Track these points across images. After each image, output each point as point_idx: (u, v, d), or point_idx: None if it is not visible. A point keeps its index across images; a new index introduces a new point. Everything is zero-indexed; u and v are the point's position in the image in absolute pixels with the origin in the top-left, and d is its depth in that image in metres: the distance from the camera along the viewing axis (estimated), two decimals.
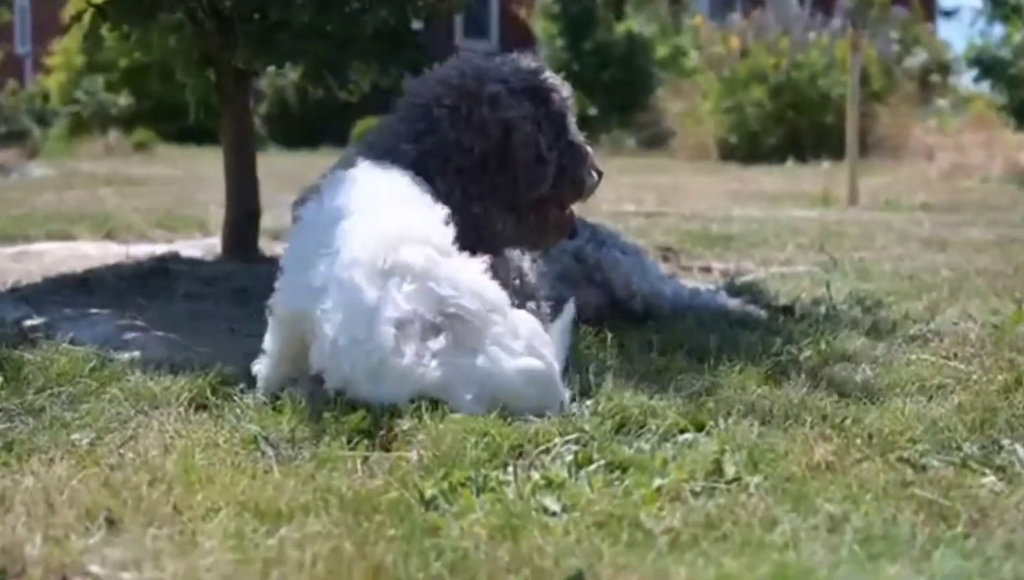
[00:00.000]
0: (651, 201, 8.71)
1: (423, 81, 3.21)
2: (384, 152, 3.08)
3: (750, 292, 4.27)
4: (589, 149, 3.26)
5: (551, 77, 3.23)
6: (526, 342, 2.48)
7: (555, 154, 3.15)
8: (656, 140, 17.85)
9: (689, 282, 4.34)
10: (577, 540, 1.85)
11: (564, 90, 3.23)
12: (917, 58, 18.02)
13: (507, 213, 3.12)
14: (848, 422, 2.47)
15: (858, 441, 2.34)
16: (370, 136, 3.30)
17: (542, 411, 2.44)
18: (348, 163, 3.06)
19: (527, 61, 3.23)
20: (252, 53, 4.54)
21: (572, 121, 3.24)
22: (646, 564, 1.76)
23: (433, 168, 3.03)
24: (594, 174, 3.25)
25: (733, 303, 3.83)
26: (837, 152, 12.68)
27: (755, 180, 12.25)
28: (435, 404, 2.45)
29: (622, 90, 19.79)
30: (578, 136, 3.25)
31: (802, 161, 14.72)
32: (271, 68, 4.98)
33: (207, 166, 12.21)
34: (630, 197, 8.72)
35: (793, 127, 16.05)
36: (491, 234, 3.05)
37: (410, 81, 3.29)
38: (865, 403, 2.65)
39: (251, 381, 2.76)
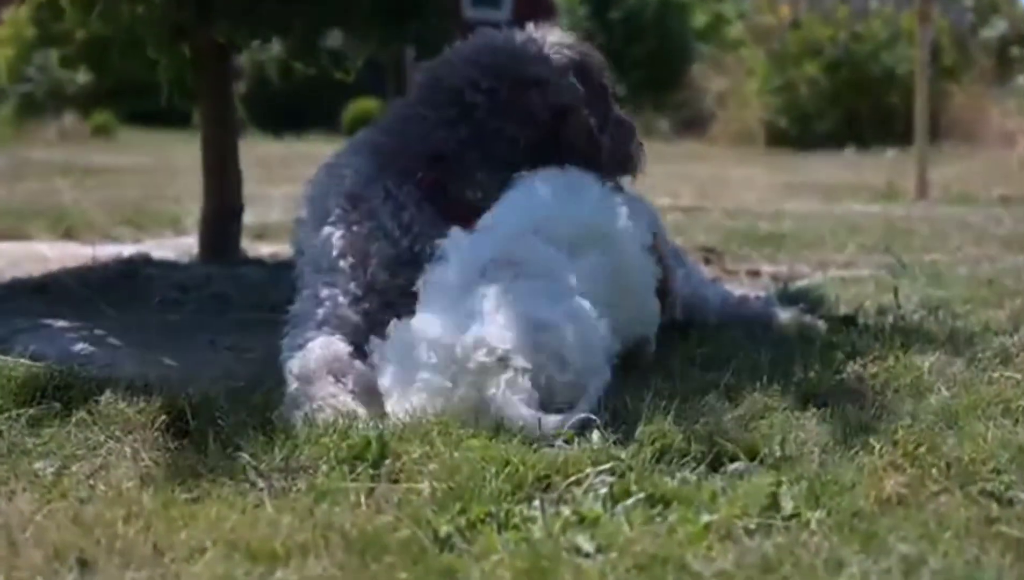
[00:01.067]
0: (689, 194, 8.71)
1: (448, 62, 3.21)
2: (409, 139, 3.09)
3: (805, 299, 4.27)
4: (633, 123, 3.30)
5: (588, 49, 3.26)
6: None
7: (606, 136, 3.17)
8: (694, 123, 17.87)
9: (735, 288, 4.35)
10: None
11: (602, 61, 3.27)
12: (995, 29, 17.99)
13: None
14: (922, 450, 2.47)
15: (934, 471, 2.34)
16: (385, 121, 3.30)
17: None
18: (360, 149, 3.09)
19: (558, 34, 3.26)
20: (234, 24, 4.55)
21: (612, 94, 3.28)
22: None
23: (471, 160, 3.05)
24: (643, 150, 3.28)
25: (788, 313, 3.84)
26: (903, 138, 12.67)
27: (809, 170, 12.25)
28: (447, 428, 2.47)
29: (654, 66, 19.82)
30: (619, 110, 3.28)
31: (863, 148, 14.72)
32: (256, 42, 4.98)
33: (179, 153, 12.27)
34: (664, 189, 8.70)
35: (852, 109, 16.05)
36: None
37: (433, 62, 3.29)
38: (941, 428, 2.65)
39: (237, 401, 2.78)
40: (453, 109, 3.10)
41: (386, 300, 3.01)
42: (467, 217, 3.06)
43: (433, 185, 3.09)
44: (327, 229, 3.08)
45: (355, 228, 3.06)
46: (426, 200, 3.09)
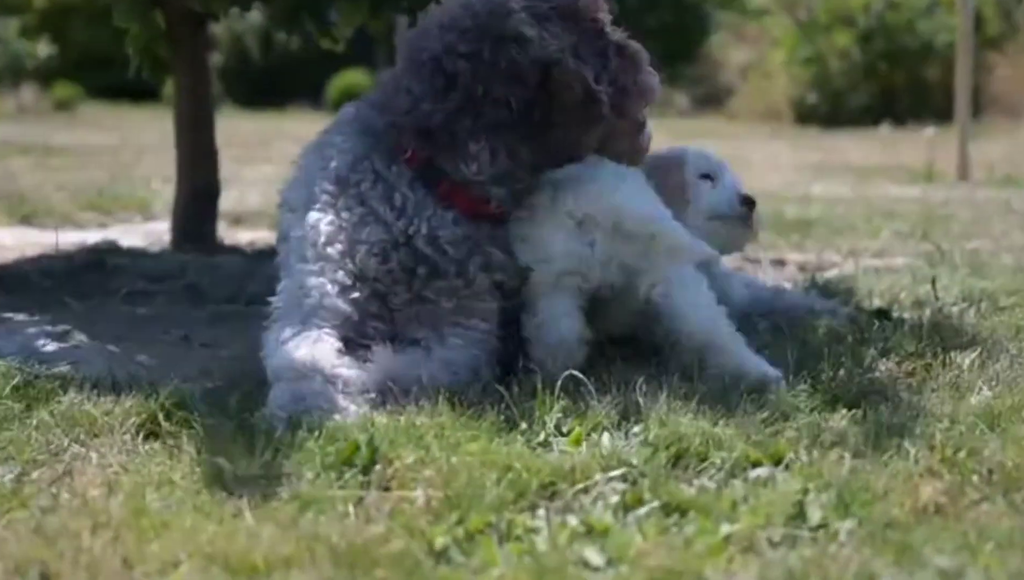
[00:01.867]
0: None
1: (425, 29, 3.21)
2: (395, 115, 3.09)
3: (836, 291, 4.28)
4: (639, 46, 3.28)
5: None
6: None
7: (605, 84, 3.15)
8: (712, 98, 17.88)
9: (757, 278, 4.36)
10: None
11: None
12: None
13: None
14: (962, 454, 2.48)
15: (975, 478, 2.36)
16: (373, 95, 3.30)
17: None
18: (346, 127, 3.09)
19: None
20: None
21: (609, 25, 3.24)
22: None
23: (461, 131, 3.05)
24: (656, 74, 3.29)
25: (825, 304, 3.85)
26: (943, 114, 12.68)
27: (840, 150, 12.26)
28: (443, 431, 2.48)
29: (669, 36, 19.79)
30: (621, 36, 3.26)
31: (899, 125, 14.72)
32: (234, 10, 4.98)
33: (148, 131, 12.28)
34: None
35: (887, 83, 16.05)
36: None
37: (408, 33, 3.29)
38: (983, 431, 2.66)
39: (214, 402, 2.78)
40: (437, 79, 3.11)
41: (377, 289, 3.01)
42: (462, 194, 3.07)
43: (424, 163, 3.09)
44: (314, 215, 3.08)
45: (344, 214, 3.06)
46: (418, 179, 3.09)
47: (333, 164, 3.13)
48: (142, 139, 11.71)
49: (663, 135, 3.40)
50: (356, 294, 2.99)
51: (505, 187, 3.08)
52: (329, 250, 3.03)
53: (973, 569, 1.96)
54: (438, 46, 3.13)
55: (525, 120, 3.09)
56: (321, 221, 3.06)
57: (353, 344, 2.93)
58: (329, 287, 2.99)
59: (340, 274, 3.00)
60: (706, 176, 3.45)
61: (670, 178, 3.37)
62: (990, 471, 2.39)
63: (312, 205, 3.10)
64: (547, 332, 3.04)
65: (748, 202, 3.45)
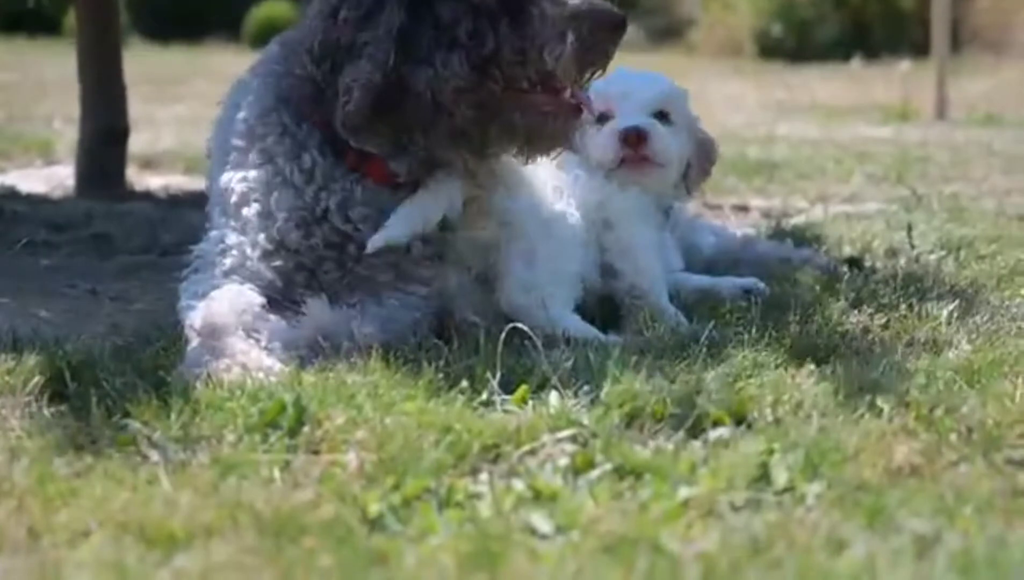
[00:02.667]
0: None
1: None
2: (295, 69, 3.04)
3: (803, 239, 4.30)
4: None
5: None
6: None
7: (504, 23, 3.00)
8: (670, 32, 17.87)
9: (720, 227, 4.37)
10: (577, 571, 1.88)
11: None
12: None
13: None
14: (939, 412, 2.50)
15: (952, 437, 2.38)
16: (289, 36, 3.20)
17: None
18: (260, 69, 3.07)
19: None
20: None
21: None
22: None
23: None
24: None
25: (800, 254, 3.87)
26: (919, 48, 12.73)
27: (807, 86, 12.28)
28: (376, 390, 2.48)
29: None
30: None
31: (872, 60, 14.76)
32: None
33: (48, 67, 12.17)
34: None
35: (859, 14, 16.07)
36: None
37: None
38: (961, 387, 2.68)
39: (125, 359, 2.78)
40: (329, 29, 3.00)
41: (301, 261, 2.99)
42: (371, 163, 3.05)
43: (329, 129, 3.04)
44: (227, 173, 3.06)
45: (253, 172, 3.03)
46: (327, 143, 3.04)
47: (242, 114, 3.11)
48: (43, 75, 11.62)
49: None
50: (279, 262, 2.98)
51: (404, 157, 3.04)
52: (245, 212, 3.01)
53: (950, 534, 1.98)
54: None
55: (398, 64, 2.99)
56: (233, 179, 3.05)
57: (279, 304, 2.93)
58: (249, 249, 2.98)
59: (261, 237, 2.98)
60: (602, 117, 3.36)
61: None
62: (969, 430, 2.41)
63: (226, 158, 3.08)
64: None
65: (633, 135, 3.34)
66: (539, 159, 3.15)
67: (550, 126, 3.06)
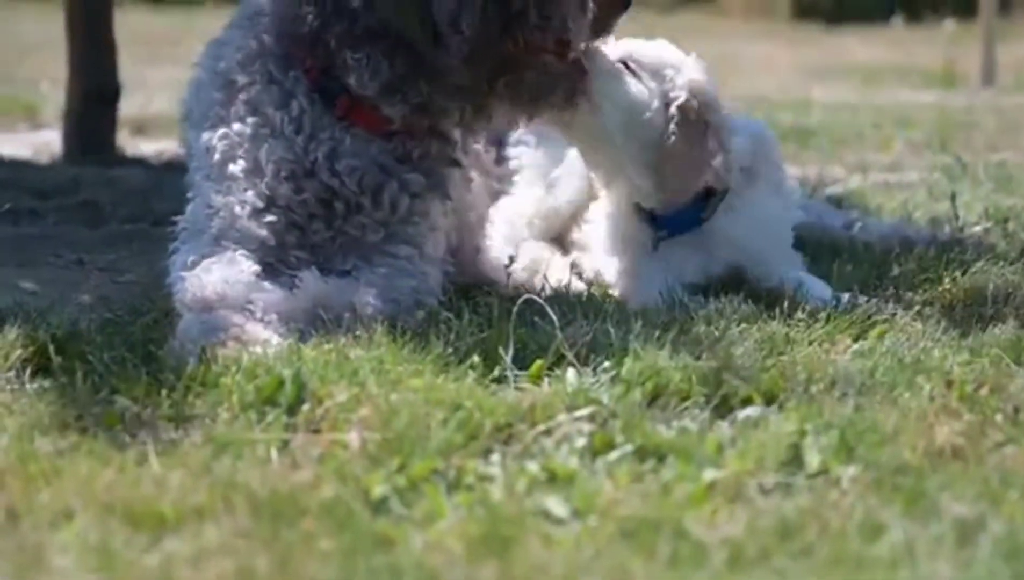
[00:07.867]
0: None
1: None
2: (285, 18, 3.05)
3: (840, 208, 4.29)
4: None
5: None
6: None
7: None
8: None
9: None
10: (594, 557, 1.88)
11: None
12: None
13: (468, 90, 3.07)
14: (984, 391, 2.50)
15: (998, 417, 2.38)
16: None
17: None
18: (243, 19, 3.07)
19: None
20: None
21: None
22: None
23: (344, 39, 2.98)
24: None
25: (842, 219, 3.88)
26: (965, 8, 12.69)
27: (845, 48, 12.26)
28: (381, 364, 2.48)
29: None
30: None
31: (914, 20, 14.72)
32: None
33: (33, 26, 12.15)
34: None
35: None
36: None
37: None
38: (1007, 365, 2.68)
39: (114, 333, 2.78)
40: None
41: (293, 219, 3.00)
42: (362, 111, 3.05)
43: (320, 76, 3.05)
44: (206, 132, 3.07)
45: (237, 125, 3.04)
46: (316, 91, 3.06)
47: (222, 64, 3.11)
48: (27, 35, 11.60)
49: (643, 36, 3.33)
50: (271, 218, 2.98)
51: (400, 102, 3.05)
52: (231, 168, 3.01)
53: (995, 519, 1.97)
54: None
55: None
56: (214, 137, 3.05)
57: (273, 270, 2.93)
58: (238, 209, 2.98)
59: (249, 194, 2.98)
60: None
61: None
62: (1015, 410, 2.41)
63: (205, 117, 3.09)
64: None
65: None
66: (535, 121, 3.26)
67: (559, 88, 3.14)
